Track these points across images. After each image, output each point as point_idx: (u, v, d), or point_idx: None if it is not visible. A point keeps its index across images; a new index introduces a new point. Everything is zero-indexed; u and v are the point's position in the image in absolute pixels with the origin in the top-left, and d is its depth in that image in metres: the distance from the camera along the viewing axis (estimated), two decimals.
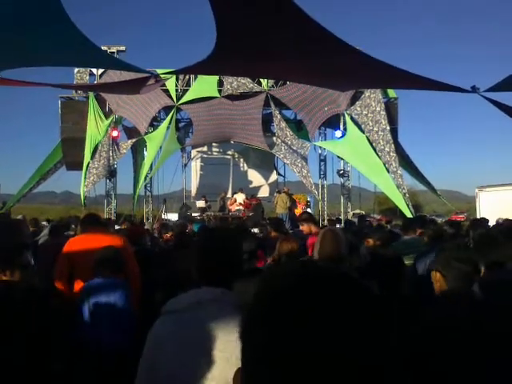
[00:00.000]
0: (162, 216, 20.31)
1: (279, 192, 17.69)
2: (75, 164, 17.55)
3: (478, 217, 17.64)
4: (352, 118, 16.25)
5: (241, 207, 17.98)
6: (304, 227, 5.32)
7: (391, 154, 15.34)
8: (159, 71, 13.06)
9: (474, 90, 3.42)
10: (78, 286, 3.88)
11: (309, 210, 19.80)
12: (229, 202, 18.92)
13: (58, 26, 2.91)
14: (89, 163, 17.13)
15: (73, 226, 8.08)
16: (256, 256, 3.79)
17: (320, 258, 2.90)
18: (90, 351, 3.38)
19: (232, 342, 1.55)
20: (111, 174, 18.76)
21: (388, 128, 15.53)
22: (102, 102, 17.28)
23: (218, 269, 1.78)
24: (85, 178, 17.10)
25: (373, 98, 15.85)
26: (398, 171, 15.40)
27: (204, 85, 16.74)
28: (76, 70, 16.89)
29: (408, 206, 14.78)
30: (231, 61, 3.91)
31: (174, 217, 20.21)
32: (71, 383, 3.14)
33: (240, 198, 18.32)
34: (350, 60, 3.69)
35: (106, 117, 17.27)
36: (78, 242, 4.20)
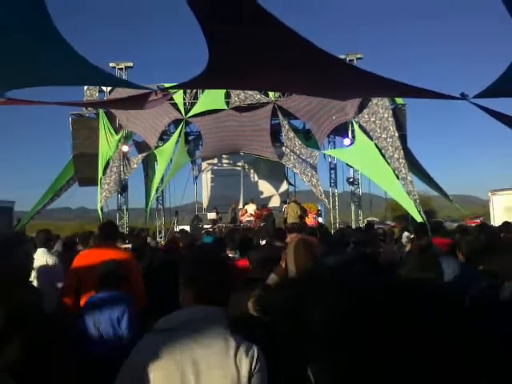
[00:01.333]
0: (174, 228, 20.40)
1: (285, 202, 17.71)
2: (87, 180, 17.81)
3: (492, 221, 17.45)
4: (360, 126, 16.26)
5: (252, 218, 17.99)
6: (292, 237, 5.28)
7: (400, 160, 15.28)
8: (167, 85, 13.24)
9: (464, 96, 3.42)
10: (83, 300, 3.93)
11: (320, 219, 19.78)
12: (240, 213, 18.96)
13: (55, 47, 3.01)
14: (101, 178, 17.35)
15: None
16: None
17: (297, 269, 2.82)
18: (93, 365, 3.41)
19: (229, 358, 1.59)
20: (123, 188, 18.96)
21: (396, 134, 15.49)
22: (112, 118, 17.54)
23: (210, 289, 1.78)
24: (100, 193, 17.32)
25: (380, 105, 15.84)
26: (408, 177, 15.32)
27: (211, 97, 16.90)
28: (86, 87, 17.18)
29: (419, 212, 14.65)
30: (226, 76, 3.99)
31: (186, 229, 20.29)
32: None
33: (251, 208, 18.34)
34: (342, 73, 3.75)
35: (117, 132, 17.51)
36: (85, 257, 4.27)
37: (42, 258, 4.93)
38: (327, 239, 6.42)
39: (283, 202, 18.82)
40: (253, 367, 1.61)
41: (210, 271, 1.83)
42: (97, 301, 3.67)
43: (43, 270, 4.79)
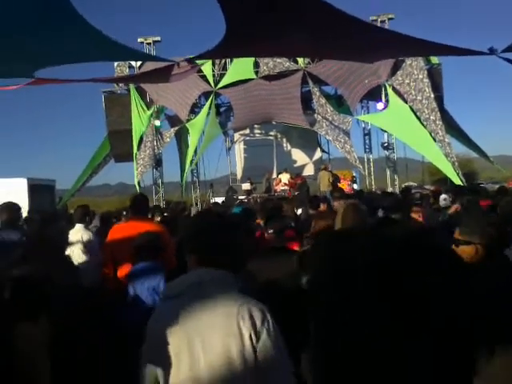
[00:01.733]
0: (210, 201, 20.64)
1: (325, 169, 17.55)
2: (123, 156, 18.18)
3: None
4: (394, 89, 15.76)
5: (286, 187, 17.96)
6: (336, 204, 5.27)
7: (437, 122, 14.79)
8: (191, 57, 13.14)
9: (492, 51, 3.24)
10: (121, 272, 4.05)
11: (355, 185, 19.55)
12: (274, 183, 18.97)
13: (76, 26, 3.03)
14: (136, 154, 17.65)
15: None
16: (284, 235, 3.78)
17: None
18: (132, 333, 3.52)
19: (230, 319, 1.59)
20: (157, 163, 19.25)
21: (432, 96, 14.95)
22: (143, 94, 17.68)
23: (212, 252, 1.77)
24: (136, 168, 17.66)
25: (414, 65, 15.27)
26: (446, 139, 14.85)
27: (240, 67, 16.71)
28: (116, 63, 17.33)
29: (458, 174, 14.25)
30: (249, 43, 3.91)
31: (221, 201, 20.51)
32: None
33: (285, 177, 18.30)
34: (368, 35, 3.62)
35: (148, 107, 17.66)
36: (119, 231, 4.38)
37: (77, 233, 5.09)
38: None
39: (319, 169, 18.67)
40: (258, 327, 1.58)
41: (211, 233, 1.82)
42: (135, 272, 3.76)
43: (79, 245, 4.96)
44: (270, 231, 3.63)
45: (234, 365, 1.56)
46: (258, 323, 1.58)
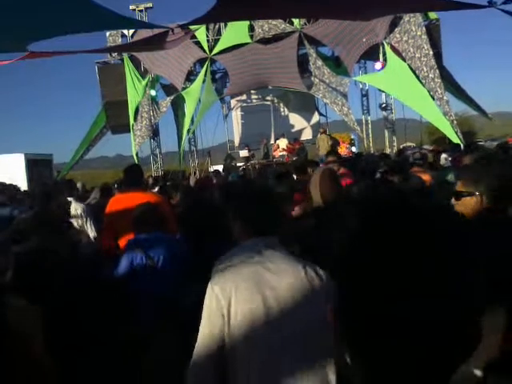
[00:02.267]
0: (209, 169, 20.62)
1: (325, 132, 17.43)
2: (119, 127, 18.05)
3: None
4: (392, 47, 15.46)
5: (284, 152, 17.91)
6: (329, 160, 5.25)
7: (436, 80, 14.57)
8: (184, 23, 12.87)
9: (491, 4, 3.18)
10: (122, 242, 4.06)
11: (354, 148, 19.49)
12: (272, 149, 18.88)
13: None
14: (133, 125, 17.50)
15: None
16: (291, 200, 3.79)
17: (322, 198, 2.82)
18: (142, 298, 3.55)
19: (300, 278, 1.65)
20: (154, 133, 19.12)
21: (431, 53, 14.67)
22: (137, 63, 17.38)
23: (265, 218, 1.81)
24: (133, 139, 17.53)
25: (412, 22, 14.92)
26: (444, 97, 14.66)
27: (235, 32, 16.39)
28: (108, 33, 16.97)
29: (457, 133, 14.15)
30: (242, 6, 3.82)
31: (220, 168, 20.48)
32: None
33: (283, 143, 18.21)
34: None
35: (143, 77, 17.39)
36: (118, 202, 4.35)
37: (70, 206, 5.10)
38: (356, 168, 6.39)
39: (316, 133, 18.57)
40: (324, 287, 1.66)
41: (259, 202, 1.86)
42: (138, 241, 3.76)
43: (73, 217, 4.98)
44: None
45: (307, 314, 1.64)
46: (324, 281, 1.67)
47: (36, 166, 21.60)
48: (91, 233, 4.93)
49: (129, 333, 3.06)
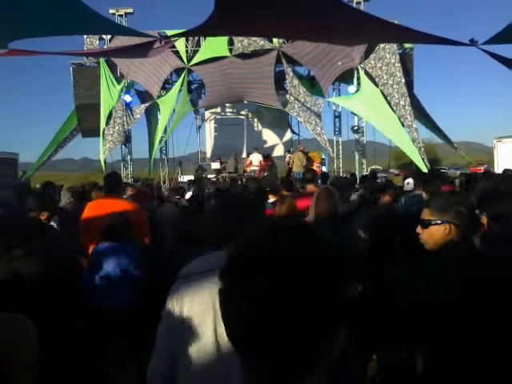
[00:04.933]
0: (179, 179, 20.50)
1: (289, 151, 17.66)
2: (91, 131, 17.70)
3: (496, 168, 17.43)
4: (366, 72, 15.90)
5: (256, 168, 18.01)
6: (310, 187, 5.32)
7: (406, 107, 15.06)
8: (168, 33, 12.95)
9: (473, 43, 3.35)
10: (90, 250, 4.04)
11: (324, 167, 19.79)
12: (246, 164, 18.93)
13: None
14: (104, 130, 17.24)
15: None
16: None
17: (316, 217, 2.92)
18: (96, 314, 3.53)
19: None
20: (126, 139, 18.90)
21: (403, 81, 15.17)
22: (113, 67, 17.19)
23: (229, 231, 1.79)
24: (103, 144, 17.25)
25: (387, 49, 15.42)
26: (414, 125, 15.16)
27: (214, 44, 16.50)
28: (85, 36, 16.76)
29: (423, 160, 14.61)
30: (230, 22, 3.90)
31: (190, 179, 20.38)
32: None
33: (256, 158, 18.32)
34: (347, 18, 3.66)
35: (118, 82, 17.22)
36: (96, 208, 4.35)
37: None
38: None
39: (287, 151, 18.76)
40: None
41: (226, 214, 1.88)
42: (100, 251, 3.75)
43: None
44: None
45: None
46: None
47: (0, 164, 20.90)
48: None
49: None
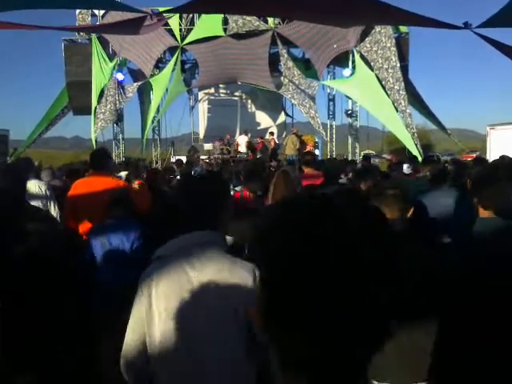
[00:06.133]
0: (171, 159, 20.39)
1: (272, 133, 17.71)
2: (82, 108, 17.46)
3: (488, 156, 17.49)
4: (361, 56, 15.79)
5: (244, 150, 17.96)
6: (308, 170, 5.30)
7: (401, 92, 15.00)
8: (161, 9, 12.70)
9: (467, 26, 3.30)
10: (84, 227, 4.00)
11: (317, 151, 19.77)
12: (234, 144, 18.85)
13: None
14: (96, 108, 17.03)
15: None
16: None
17: (274, 200, 2.91)
18: (100, 289, 3.52)
19: (220, 280, 1.63)
20: (118, 118, 18.69)
21: (398, 65, 15.08)
22: (105, 44, 16.89)
23: (200, 211, 1.80)
24: (94, 123, 17.05)
25: (383, 33, 15.27)
26: (407, 110, 15.13)
27: (208, 23, 16.24)
28: (78, 11, 16.42)
29: (416, 145, 14.63)
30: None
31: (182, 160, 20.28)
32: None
33: (242, 140, 18.25)
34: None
35: (110, 59, 16.95)
36: (82, 185, 4.27)
37: (34, 186, 4.89)
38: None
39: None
40: (248, 287, 1.63)
41: (190, 196, 1.85)
42: (109, 226, 3.69)
43: (37, 197, 4.80)
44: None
45: (225, 319, 1.62)
46: (250, 281, 1.64)
47: None
48: (54, 213, 4.77)
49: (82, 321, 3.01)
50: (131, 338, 1.70)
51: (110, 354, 3.13)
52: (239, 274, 1.65)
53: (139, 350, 1.68)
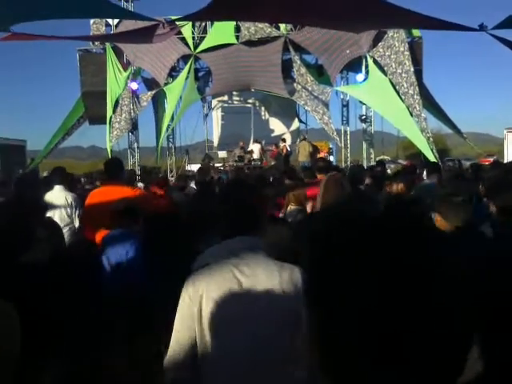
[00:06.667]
0: (186, 167, 20.48)
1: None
2: (98, 118, 17.68)
3: (506, 159, 17.22)
4: (374, 61, 15.71)
5: (257, 157, 17.96)
6: (321, 176, 5.22)
7: (415, 96, 14.87)
8: (174, 18, 12.84)
9: (482, 28, 3.24)
10: (99, 236, 4.01)
11: (331, 157, 19.69)
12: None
13: None
14: (111, 117, 17.22)
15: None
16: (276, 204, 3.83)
17: (323, 204, 2.85)
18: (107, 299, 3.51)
19: (273, 284, 1.63)
20: (133, 126, 18.86)
21: (412, 69, 14.96)
22: (119, 54, 17.10)
23: (247, 217, 1.79)
24: (109, 132, 17.23)
25: (396, 37, 15.19)
26: (422, 114, 14.98)
27: (221, 31, 16.34)
28: (92, 21, 16.67)
29: (432, 150, 14.46)
30: (234, 6, 3.81)
31: (197, 168, 20.35)
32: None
33: (256, 148, 18.25)
34: (357, 3, 3.57)
35: (125, 68, 17.14)
36: (99, 195, 4.31)
37: (60, 195, 4.98)
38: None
39: (295, 140, 18.71)
40: (298, 289, 1.64)
41: (236, 201, 1.85)
42: (110, 237, 3.72)
43: (63, 206, 4.87)
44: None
45: (278, 321, 1.62)
46: (300, 283, 1.65)
47: (8, 151, 21.02)
48: (76, 223, 4.83)
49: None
50: (180, 345, 1.68)
51: (123, 359, 3.13)
52: (289, 277, 1.66)
53: (188, 356, 1.66)
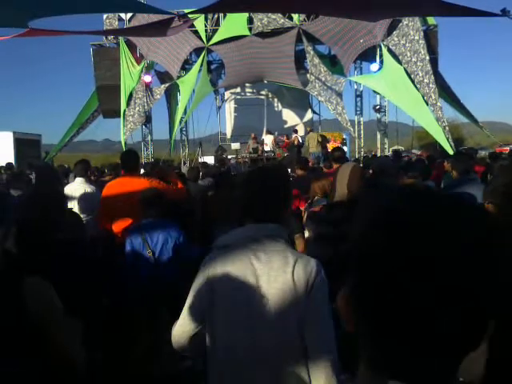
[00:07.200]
0: (199, 159, 20.51)
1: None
2: (111, 111, 17.83)
3: None
4: (389, 50, 15.52)
5: (269, 148, 17.89)
6: (336, 166, 5.20)
7: (430, 85, 14.68)
8: (186, 11, 12.82)
9: (505, 13, 3.16)
10: (117, 227, 4.04)
11: (345, 147, 19.55)
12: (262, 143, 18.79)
13: None
14: (125, 111, 17.32)
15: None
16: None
17: (349, 193, 2.83)
18: (140, 289, 3.54)
19: (286, 273, 1.62)
20: (147, 119, 18.95)
21: (427, 58, 14.76)
22: (132, 48, 17.17)
23: (269, 205, 1.77)
24: (123, 125, 17.35)
25: (411, 26, 14.98)
26: (438, 103, 14.79)
27: (234, 23, 16.28)
28: (105, 16, 16.74)
29: (448, 139, 14.28)
30: None
31: (210, 160, 20.39)
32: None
33: (268, 139, 18.17)
34: None
35: (138, 62, 17.20)
36: (114, 186, 4.32)
37: (80, 187, 5.05)
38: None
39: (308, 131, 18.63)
40: (310, 281, 1.62)
41: (255, 189, 1.82)
42: (147, 225, 3.71)
43: (83, 198, 4.94)
44: None
45: (285, 310, 1.61)
46: (312, 278, 1.62)
47: (24, 145, 21.30)
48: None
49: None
50: (188, 314, 1.72)
51: (138, 355, 3.17)
52: (303, 268, 1.63)
53: (194, 325, 1.71)
